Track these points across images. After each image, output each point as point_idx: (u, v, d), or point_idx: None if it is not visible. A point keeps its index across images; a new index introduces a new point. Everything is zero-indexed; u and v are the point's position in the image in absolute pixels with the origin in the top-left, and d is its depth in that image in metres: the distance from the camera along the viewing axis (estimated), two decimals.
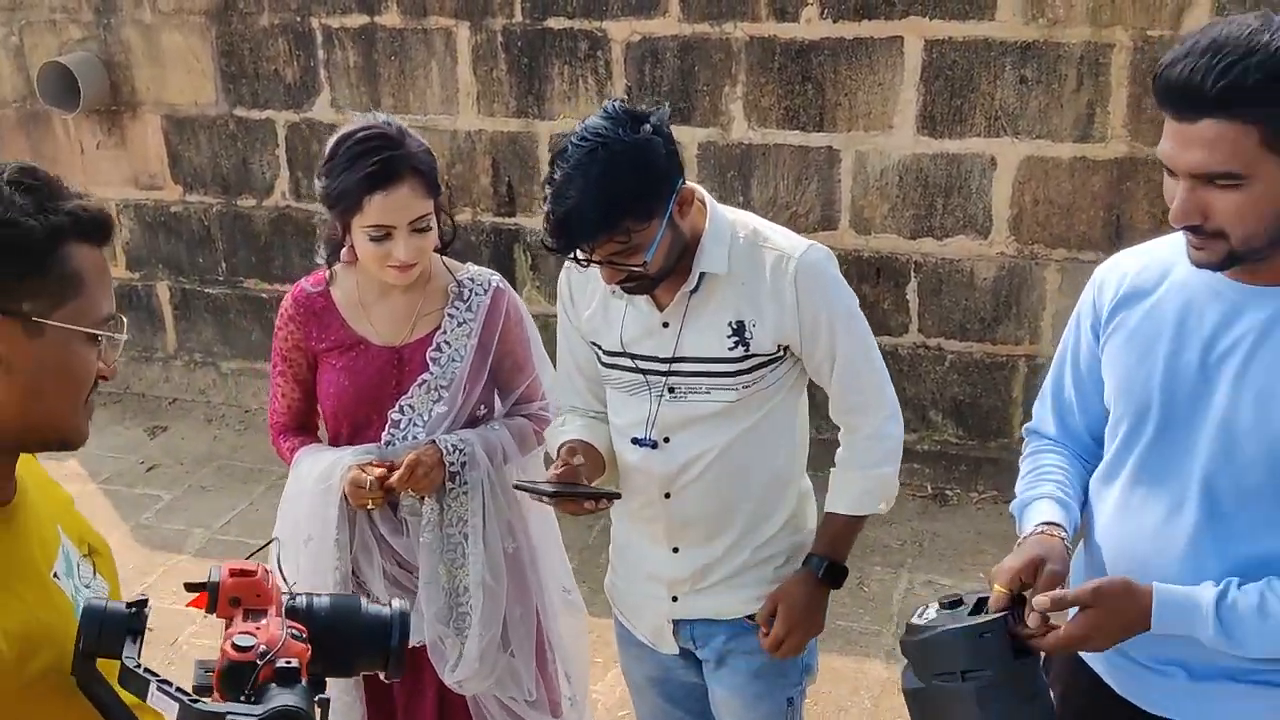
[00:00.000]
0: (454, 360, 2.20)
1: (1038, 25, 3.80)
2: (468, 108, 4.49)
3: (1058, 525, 1.71)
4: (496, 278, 2.30)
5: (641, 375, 2.01)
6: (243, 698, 1.13)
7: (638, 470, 2.07)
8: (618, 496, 2.04)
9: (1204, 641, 1.55)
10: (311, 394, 2.28)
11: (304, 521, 2.22)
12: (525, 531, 2.32)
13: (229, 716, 1.11)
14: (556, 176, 1.82)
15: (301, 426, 2.32)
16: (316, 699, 1.16)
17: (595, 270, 1.94)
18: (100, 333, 1.28)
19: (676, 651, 2.17)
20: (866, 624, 3.58)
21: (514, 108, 4.44)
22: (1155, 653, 1.66)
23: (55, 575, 1.32)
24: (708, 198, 2.00)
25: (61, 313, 1.24)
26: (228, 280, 5.07)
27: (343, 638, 1.28)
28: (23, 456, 1.34)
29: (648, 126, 1.83)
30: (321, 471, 2.19)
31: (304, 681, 1.16)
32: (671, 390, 1.99)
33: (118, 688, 1.24)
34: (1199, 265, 1.54)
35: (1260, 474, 1.54)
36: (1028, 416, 1.98)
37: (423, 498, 2.19)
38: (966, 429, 4.32)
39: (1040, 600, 1.57)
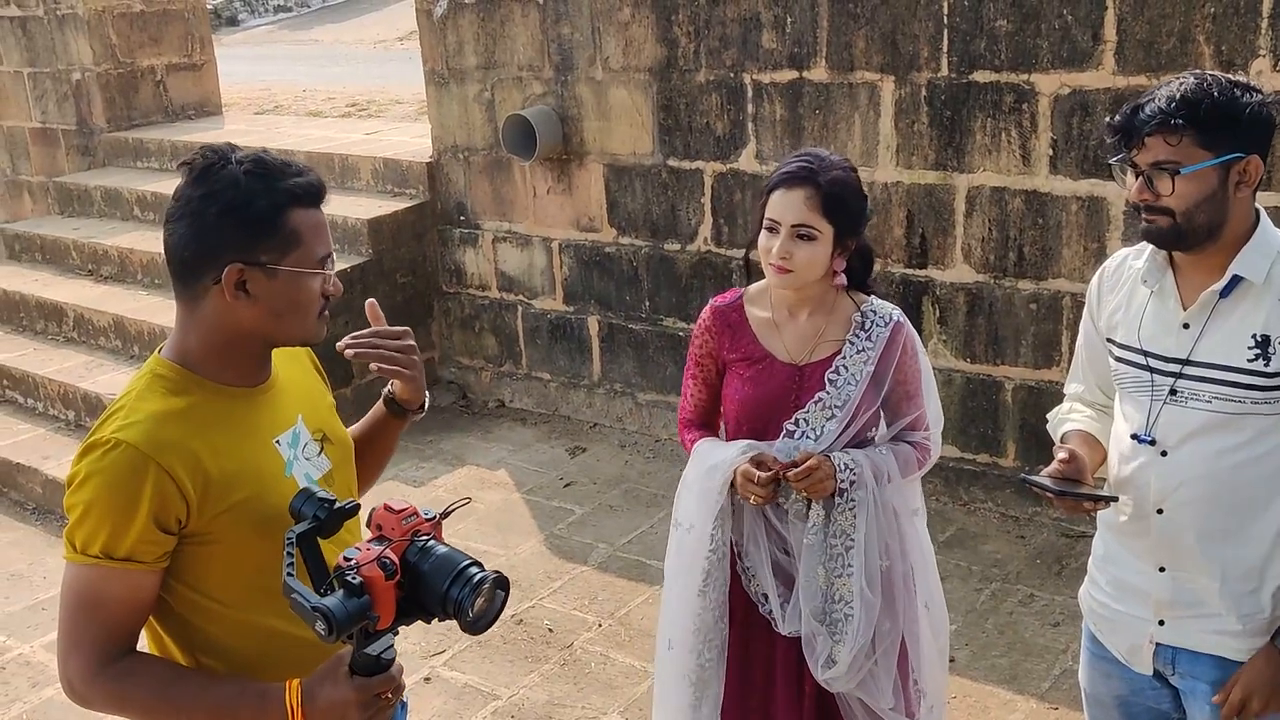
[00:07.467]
0: (849, 384, 2.37)
1: None
2: (886, 160, 4.54)
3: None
4: (897, 312, 2.44)
5: (1149, 374, 2.01)
6: (323, 590, 1.48)
7: (1131, 482, 2.05)
8: (1115, 500, 2.04)
9: None
10: (717, 397, 2.52)
11: (691, 510, 2.46)
12: (901, 553, 2.45)
13: (294, 593, 1.47)
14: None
15: (705, 424, 2.57)
16: (380, 627, 1.48)
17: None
18: (317, 271, 1.71)
19: (1150, 673, 2.11)
20: None
21: (932, 160, 4.43)
22: None
23: (277, 441, 1.77)
24: (1263, 213, 1.97)
25: (289, 259, 1.67)
26: (649, 318, 5.43)
27: (427, 582, 1.51)
28: (292, 362, 1.88)
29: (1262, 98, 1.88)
30: (710, 467, 2.41)
31: (365, 596, 1.46)
32: (1174, 393, 1.97)
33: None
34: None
35: None
36: None
37: (809, 503, 2.35)
38: None
39: None
